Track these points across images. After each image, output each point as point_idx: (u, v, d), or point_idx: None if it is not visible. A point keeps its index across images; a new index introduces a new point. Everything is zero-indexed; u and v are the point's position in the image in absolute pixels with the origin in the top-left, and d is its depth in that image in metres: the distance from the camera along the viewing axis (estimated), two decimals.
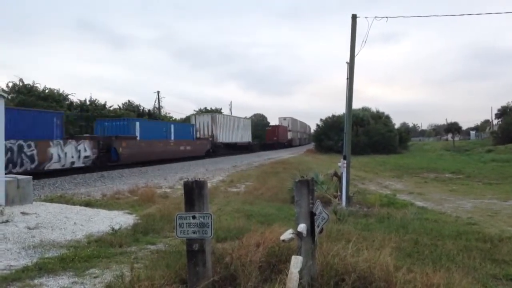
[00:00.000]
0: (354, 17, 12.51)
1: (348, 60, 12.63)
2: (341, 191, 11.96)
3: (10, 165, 17.14)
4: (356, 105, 60.83)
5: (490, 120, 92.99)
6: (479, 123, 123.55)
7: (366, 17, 12.02)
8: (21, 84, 36.52)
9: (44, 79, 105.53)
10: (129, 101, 51.36)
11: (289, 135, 76.55)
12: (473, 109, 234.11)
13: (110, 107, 44.33)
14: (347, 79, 12.75)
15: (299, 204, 4.52)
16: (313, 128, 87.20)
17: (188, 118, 58.31)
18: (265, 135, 70.36)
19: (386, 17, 11.99)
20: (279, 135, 69.53)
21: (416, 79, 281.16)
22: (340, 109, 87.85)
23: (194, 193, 4.52)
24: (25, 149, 18.41)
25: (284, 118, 77.17)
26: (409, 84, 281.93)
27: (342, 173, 12.11)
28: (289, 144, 74.83)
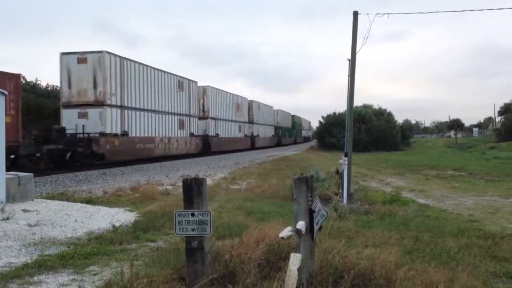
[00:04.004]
0: (355, 14, 12.45)
1: (349, 57, 12.59)
2: (342, 188, 11.94)
3: None
4: (360, 102, 60.42)
5: (493, 117, 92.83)
6: (482, 120, 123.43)
7: (367, 14, 11.99)
8: (24, 81, 36.68)
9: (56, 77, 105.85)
10: None
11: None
12: (476, 106, 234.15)
13: None
14: (348, 76, 12.72)
15: (298, 201, 4.51)
16: (313, 124, 73.37)
17: None
18: None
19: (388, 13, 11.96)
20: None
21: (419, 77, 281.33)
22: (343, 106, 63.25)
23: (193, 190, 4.52)
24: None
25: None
26: (413, 82, 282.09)
27: (343, 170, 12.09)
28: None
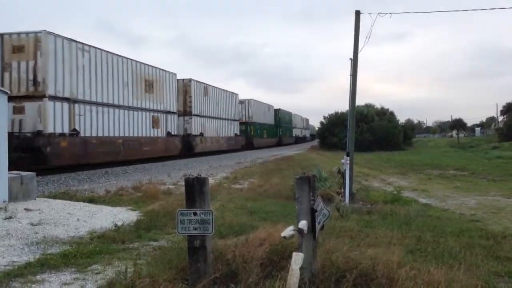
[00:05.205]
0: (357, 14, 12.45)
1: (351, 56, 12.60)
2: (344, 188, 11.94)
3: None
4: (362, 102, 60.16)
5: (495, 117, 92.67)
6: (484, 119, 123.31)
7: (369, 13, 12.00)
8: None
9: None
10: None
11: None
12: (478, 106, 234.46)
13: None
14: (350, 75, 12.72)
15: (300, 200, 4.52)
16: (314, 123, 62.66)
17: None
18: None
19: (390, 13, 11.99)
20: None
21: (421, 77, 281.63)
22: (345, 106, 61.84)
23: (195, 189, 4.53)
24: None
25: None
26: (415, 82, 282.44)
27: (345, 169, 12.09)
28: None
